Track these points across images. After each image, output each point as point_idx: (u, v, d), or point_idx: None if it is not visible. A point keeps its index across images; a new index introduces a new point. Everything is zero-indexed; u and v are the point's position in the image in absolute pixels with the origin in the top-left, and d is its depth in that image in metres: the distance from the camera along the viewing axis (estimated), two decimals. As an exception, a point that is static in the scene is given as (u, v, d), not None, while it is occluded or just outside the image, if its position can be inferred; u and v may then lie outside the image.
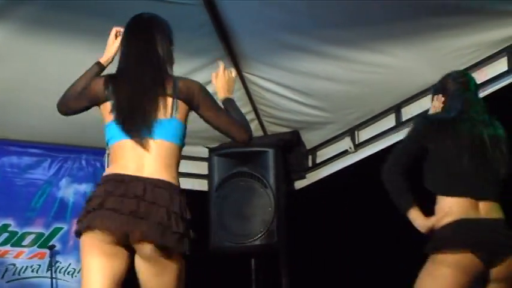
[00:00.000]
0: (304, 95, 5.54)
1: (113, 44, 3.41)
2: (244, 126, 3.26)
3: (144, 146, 3.08)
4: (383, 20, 4.58)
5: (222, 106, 3.31)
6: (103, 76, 3.26)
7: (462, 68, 4.65)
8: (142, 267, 3.04)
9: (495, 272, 3.34)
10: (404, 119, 5.32)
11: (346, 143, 5.85)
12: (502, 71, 4.58)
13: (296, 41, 4.98)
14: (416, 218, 3.46)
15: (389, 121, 5.47)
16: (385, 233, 5.66)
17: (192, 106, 3.20)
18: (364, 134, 5.75)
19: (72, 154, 6.17)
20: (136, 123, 3.10)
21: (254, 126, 6.13)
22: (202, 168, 6.19)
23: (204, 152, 6.12)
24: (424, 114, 3.80)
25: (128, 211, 2.96)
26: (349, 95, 5.36)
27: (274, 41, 5.04)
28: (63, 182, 6.12)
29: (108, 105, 3.15)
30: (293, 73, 5.32)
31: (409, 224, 3.59)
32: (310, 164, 6.30)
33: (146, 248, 2.98)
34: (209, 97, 3.23)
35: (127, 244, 3.01)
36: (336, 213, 5.88)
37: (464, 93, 3.62)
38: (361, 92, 5.31)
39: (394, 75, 5.04)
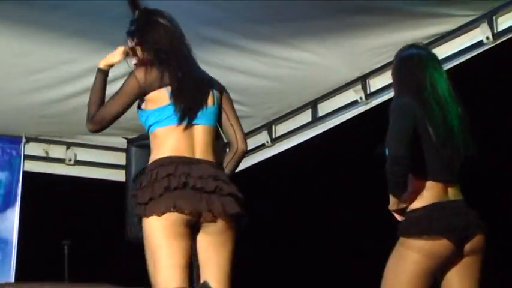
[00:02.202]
0: (223, 89, 5.59)
1: (119, 55, 3.40)
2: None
3: (195, 130, 3.23)
4: (302, 18, 4.66)
5: None
6: (147, 66, 3.25)
7: (377, 66, 4.80)
8: (210, 243, 3.15)
9: (467, 247, 3.35)
10: (320, 114, 5.43)
11: (263, 137, 5.92)
12: (414, 70, 4.72)
13: (216, 35, 5.02)
14: (393, 202, 3.40)
15: (306, 116, 5.56)
16: (301, 224, 5.77)
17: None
18: (281, 129, 5.84)
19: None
20: (195, 109, 3.24)
21: (173, 118, 6.15)
22: (120, 158, 6.17)
23: (122, 143, 6.10)
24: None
25: (207, 190, 3.10)
26: (267, 89, 5.43)
27: (194, 34, 5.04)
28: (-22, 169, 6.03)
29: (163, 92, 3.21)
30: (212, 66, 5.31)
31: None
32: (227, 156, 6.34)
33: (220, 223, 3.12)
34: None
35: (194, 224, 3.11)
36: (252, 206, 5.95)
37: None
38: (279, 87, 5.39)
39: (311, 72, 5.13)
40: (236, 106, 5.65)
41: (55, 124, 5.83)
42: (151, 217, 3.09)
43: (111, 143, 6.13)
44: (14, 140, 6.05)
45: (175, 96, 3.20)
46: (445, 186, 3.40)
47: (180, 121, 3.20)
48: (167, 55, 3.29)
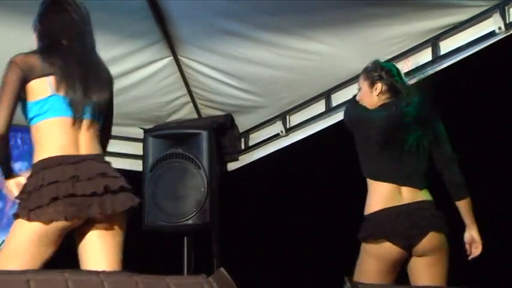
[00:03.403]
0: (238, 80, 5.64)
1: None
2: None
3: (80, 124, 3.12)
4: (316, 8, 4.69)
5: None
6: (32, 53, 3.15)
7: (390, 57, 4.83)
8: (100, 237, 3.09)
9: (417, 249, 3.57)
10: (334, 104, 5.47)
11: (277, 127, 5.98)
12: (426, 61, 4.76)
13: (231, 26, 5.06)
14: None
15: (320, 107, 5.60)
16: (315, 214, 5.82)
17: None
18: (295, 119, 5.88)
19: (9, 133, 6.12)
20: (79, 102, 3.10)
21: (189, 109, 6.21)
22: (137, 148, 6.24)
23: (139, 133, 6.17)
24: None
25: (98, 193, 3.03)
26: (281, 80, 5.48)
27: (210, 25, 5.12)
28: (-2, 160, 6.08)
29: (44, 81, 3.07)
30: (227, 57, 5.40)
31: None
32: (242, 146, 6.40)
33: (111, 218, 3.07)
34: None
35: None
36: (267, 194, 6.01)
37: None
38: (293, 78, 5.43)
39: (325, 62, 5.16)
40: (251, 96, 5.82)
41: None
42: (35, 223, 2.96)
43: (128, 133, 6.19)
44: (34, 131, 6.12)
45: (57, 87, 3.07)
46: (398, 189, 3.61)
47: (63, 114, 3.08)
48: (55, 44, 3.14)
